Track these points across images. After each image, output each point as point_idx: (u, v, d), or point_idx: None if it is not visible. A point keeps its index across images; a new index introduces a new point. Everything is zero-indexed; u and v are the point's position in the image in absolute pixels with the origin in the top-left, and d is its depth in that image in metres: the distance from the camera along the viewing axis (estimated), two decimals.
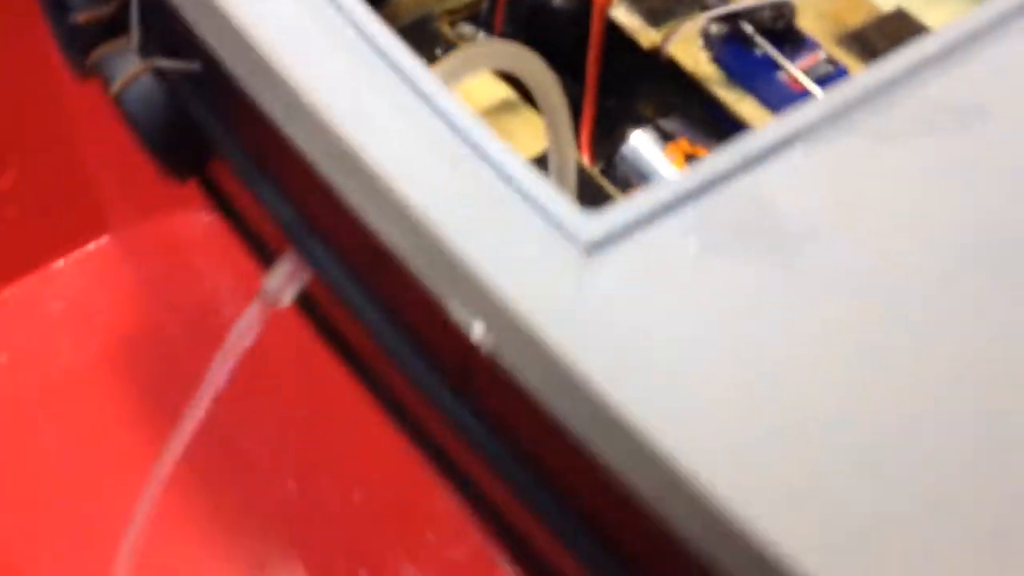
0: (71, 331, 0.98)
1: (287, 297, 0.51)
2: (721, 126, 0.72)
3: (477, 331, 0.42)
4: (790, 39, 0.71)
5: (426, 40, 0.73)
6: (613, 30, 0.75)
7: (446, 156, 0.47)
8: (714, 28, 0.72)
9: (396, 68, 0.50)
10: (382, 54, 0.50)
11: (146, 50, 0.53)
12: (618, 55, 0.75)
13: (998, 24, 0.52)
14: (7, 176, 0.96)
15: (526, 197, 0.46)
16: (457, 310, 0.42)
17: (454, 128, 0.48)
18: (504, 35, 0.74)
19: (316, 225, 0.49)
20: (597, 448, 0.40)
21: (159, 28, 0.55)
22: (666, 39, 0.73)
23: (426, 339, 0.47)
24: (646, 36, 0.74)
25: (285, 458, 0.88)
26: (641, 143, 0.70)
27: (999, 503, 0.38)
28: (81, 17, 0.54)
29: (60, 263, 1.02)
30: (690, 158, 0.69)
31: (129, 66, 0.52)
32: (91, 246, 1.03)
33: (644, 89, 0.75)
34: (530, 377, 0.41)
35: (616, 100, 0.75)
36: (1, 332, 0.97)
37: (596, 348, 0.42)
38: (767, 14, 0.70)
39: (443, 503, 0.64)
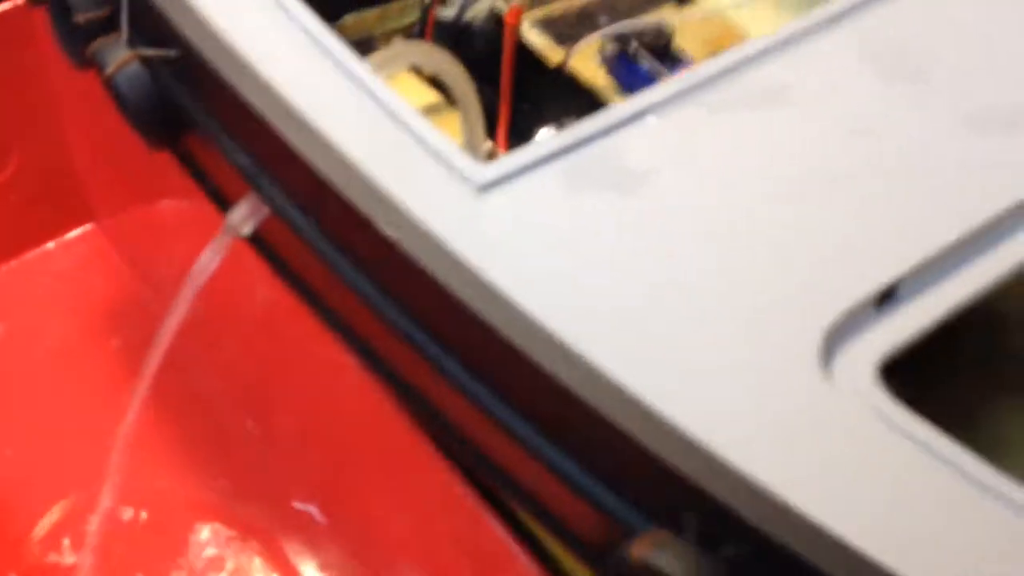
0: (61, 305, 1.12)
1: (247, 229, 0.65)
2: None
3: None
4: (669, 56, 0.86)
5: (361, 51, 0.88)
6: (526, 49, 0.90)
7: (375, 119, 0.62)
8: (608, 47, 0.87)
9: (335, 58, 0.64)
10: (324, 49, 0.65)
11: (133, 43, 0.67)
12: (531, 69, 0.90)
13: (800, 35, 0.68)
14: (7, 168, 1.10)
15: (437, 151, 0.61)
16: (383, 226, 0.57)
17: (388, 111, 0.63)
18: None
19: (269, 170, 0.63)
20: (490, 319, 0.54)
21: (144, 25, 0.68)
22: (567, 56, 0.88)
23: (363, 256, 0.61)
24: (553, 54, 0.89)
25: (246, 394, 1.01)
26: (545, 139, 0.84)
27: None
28: (81, 18, 0.67)
29: (51, 245, 1.16)
30: None
31: (120, 55, 0.66)
32: (79, 231, 1.17)
33: (552, 97, 0.90)
34: (439, 274, 0.55)
35: (530, 106, 0.89)
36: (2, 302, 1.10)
37: (491, 256, 0.56)
38: (648, 35, 0.85)
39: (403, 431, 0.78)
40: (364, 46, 0.89)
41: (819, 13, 0.69)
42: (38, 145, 1.09)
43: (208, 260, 0.66)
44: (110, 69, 0.66)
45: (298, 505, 1.00)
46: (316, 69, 0.64)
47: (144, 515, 0.99)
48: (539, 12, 0.92)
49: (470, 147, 0.77)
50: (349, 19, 0.89)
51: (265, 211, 0.64)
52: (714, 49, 0.88)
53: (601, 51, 0.88)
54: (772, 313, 0.54)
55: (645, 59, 0.84)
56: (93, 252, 1.16)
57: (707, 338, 0.53)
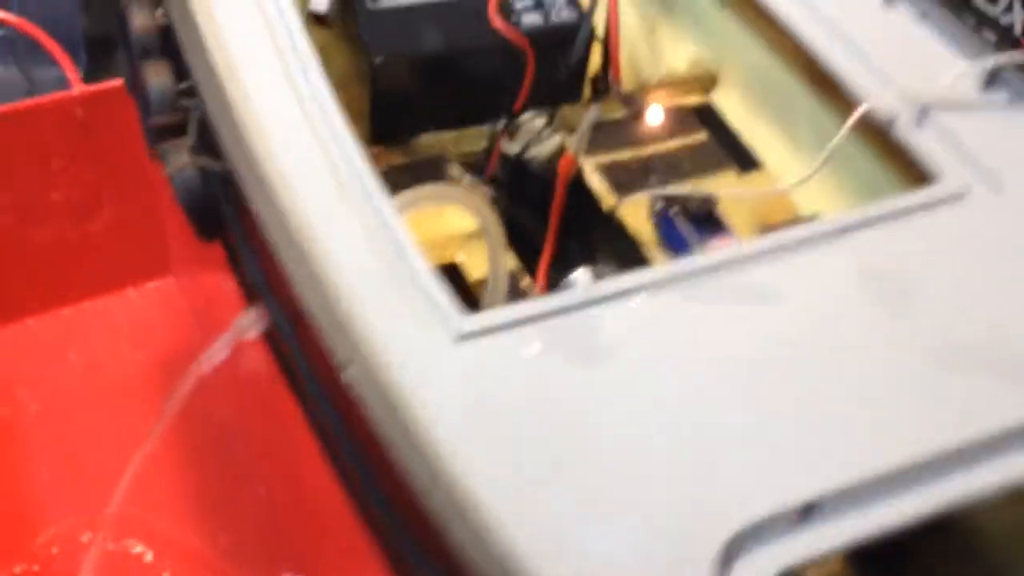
0: (129, 344, 1.22)
1: (252, 334, 0.71)
2: None
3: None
4: (711, 223, 0.90)
5: (433, 174, 0.94)
6: (585, 190, 0.95)
7: (379, 252, 0.68)
8: (657, 203, 0.91)
9: (364, 189, 0.71)
10: (361, 184, 0.71)
11: (196, 149, 0.75)
12: (586, 209, 0.95)
13: (801, 244, 0.71)
14: (100, 220, 1.22)
15: (427, 294, 0.66)
16: (341, 362, 0.62)
17: (396, 247, 0.69)
18: (493, 181, 0.94)
19: (273, 288, 0.69)
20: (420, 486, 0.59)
21: (204, 138, 0.76)
22: (618, 203, 0.92)
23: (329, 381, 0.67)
24: (608, 199, 0.94)
25: (264, 458, 1.09)
26: (579, 279, 0.89)
27: None
28: (156, 121, 0.76)
29: (131, 291, 1.28)
30: None
31: (180, 159, 0.74)
32: (157, 283, 1.29)
33: (601, 238, 0.95)
34: (377, 415, 0.60)
35: (578, 244, 0.94)
36: (77, 336, 1.22)
37: (450, 410, 0.61)
38: (694, 202, 0.89)
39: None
40: (435, 165, 0.95)
41: (824, 225, 0.73)
42: (129, 204, 1.22)
43: (214, 353, 0.73)
44: (170, 169, 0.74)
45: None
46: (340, 198, 0.70)
47: (139, 550, 1.07)
48: (604, 157, 0.97)
49: (491, 285, 0.82)
50: (426, 138, 0.96)
51: (266, 322, 0.71)
52: (760, 223, 0.92)
53: (652, 205, 0.92)
54: (684, 509, 0.57)
55: (683, 224, 0.88)
56: (166, 303, 1.26)
57: (613, 526, 0.56)
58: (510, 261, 0.89)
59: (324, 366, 0.64)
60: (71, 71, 1.22)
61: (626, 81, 1.03)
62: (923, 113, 0.80)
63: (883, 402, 0.62)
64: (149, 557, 1.05)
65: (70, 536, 1.08)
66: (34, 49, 1.28)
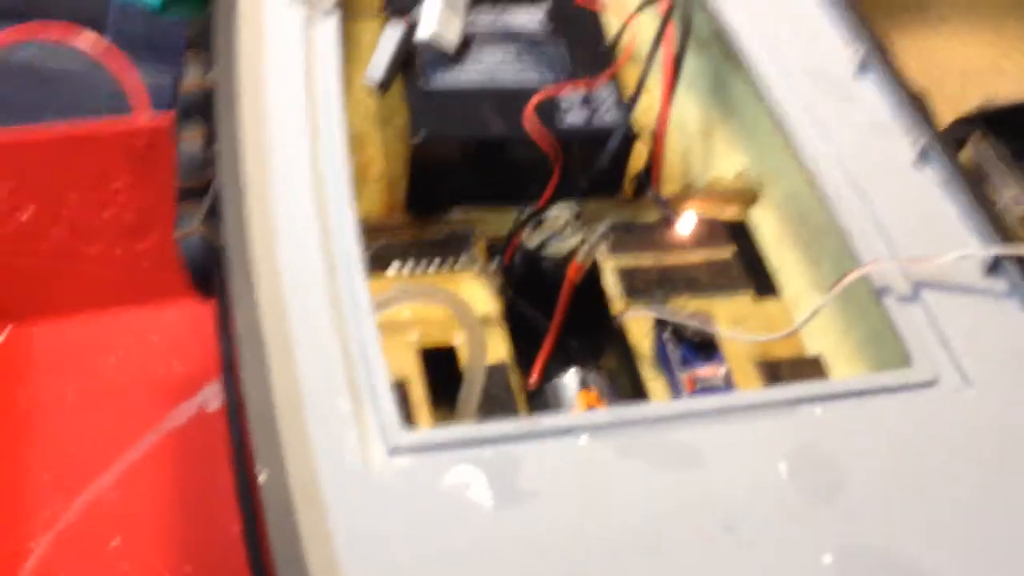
0: (159, 355, 1.31)
1: (213, 406, 0.77)
2: (637, 393, 0.92)
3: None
4: (707, 350, 0.91)
5: (454, 246, 0.97)
6: (598, 290, 0.97)
7: (344, 358, 0.72)
8: (659, 321, 0.93)
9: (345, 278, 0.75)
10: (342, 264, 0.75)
11: (208, 217, 0.81)
12: (594, 311, 0.97)
13: (748, 408, 0.72)
14: (149, 240, 1.32)
15: (375, 399, 0.70)
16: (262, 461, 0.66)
17: (359, 344, 0.73)
18: (509, 269, 0.96)
19: (231, 368, 0.74)
20: None
21: (217, 207, 0.82)
22: (623, 313, 0.94)
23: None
24: (618, 304, 0.96)
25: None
26: (567, 382, 0.91)
27: None
28: (181, 184, 0.82)
29: (167, 309, 1.37)
30: (591, 407, 0.89)
31: (192, 224, 0.80)
32: (193, 305, 1.37)
33: (607, 342, 0.97)
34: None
35: (579, 342, 0.97)
36: (114, 338, 1.32)
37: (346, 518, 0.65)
38: (689, 329, 0.90)
39: None
40: (460, 243, 0.98)
41: (776, 392, 0.74)
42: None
43: (175, 417, 0.79)
44: (178, 233, 0.80)
45: None
46: (316, 284, 0.75)
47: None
48: (626, 260, 0.98)
49: (464, 393, 0.85)
50: (457, 212, 0.99)
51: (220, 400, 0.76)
52: (761, 356, 0.92)
53: (655, 321, 0.94)
54: None
55: (672, 350, 0.90)
56: (197, 323, 1.34)
57: None
58: (506, 352, 0.91)
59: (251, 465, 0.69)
60: (140, 97, 1.33)
61: (674, 180, 1.05)
62: (916, 290, 0.80)
63: None
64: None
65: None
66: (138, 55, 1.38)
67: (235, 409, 0.73)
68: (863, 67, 0.96)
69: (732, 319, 0.94)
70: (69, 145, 1.32)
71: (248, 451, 0.68)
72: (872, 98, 0.94)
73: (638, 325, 0.94)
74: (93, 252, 1.33)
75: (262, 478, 0.66)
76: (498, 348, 0.91)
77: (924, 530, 0.67)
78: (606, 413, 0.73)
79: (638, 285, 0.97)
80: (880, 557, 0.66)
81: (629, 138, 0.98)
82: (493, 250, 0.98)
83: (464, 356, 0.89)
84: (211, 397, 0.80)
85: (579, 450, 0.70)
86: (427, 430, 0.70)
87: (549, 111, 0.96)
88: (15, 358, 1.33)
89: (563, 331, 0.94)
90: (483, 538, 0.66)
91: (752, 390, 0.74)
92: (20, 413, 1.28)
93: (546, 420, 0.72)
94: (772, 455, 0.70)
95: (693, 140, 1.07)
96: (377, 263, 0.93)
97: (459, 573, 0.64)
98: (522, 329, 0.95)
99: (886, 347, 0.81)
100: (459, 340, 0.92)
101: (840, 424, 0.72)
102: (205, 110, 0.86)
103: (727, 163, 1.06)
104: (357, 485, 0.67)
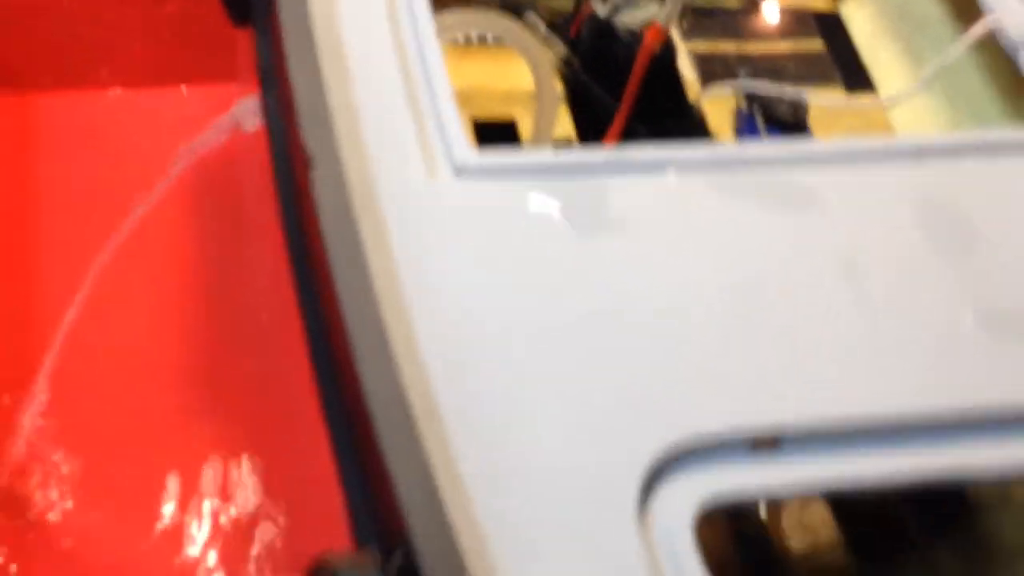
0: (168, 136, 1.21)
1: (247, 124, 0.67)
2: None
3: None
4: (796, 132, 0.81)
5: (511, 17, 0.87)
6: (672, 74, 0.87)
7: (402, 72, 0.62)
8: (742, 103, 0.83)
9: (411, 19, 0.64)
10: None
11: None
12: (666, 95, 0.87)
13: (869, 155, 0.62)
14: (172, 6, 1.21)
15: (441, 119, 0.60)
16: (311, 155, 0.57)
17: (424, 68, 0.63)
18: (575, 42, 0.86)
19: (277, 83, 0.64)
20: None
21: None
22: (703, 93, 0.84)
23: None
24: (693, 90, 0.86)
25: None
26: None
27: None
28: None
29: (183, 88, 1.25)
30: None
31: None
32: (213, 87, 1.26)
33: (674, 128, 0.87)
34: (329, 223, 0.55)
35: (648, 128, 0.87)
36: (122, 117, 1.21)
37: (416, 236, 0.56)
38: (784, 108, 0.80)
39: None
40: (516, 10, 0.88)
41: (899, 141, 0.64)
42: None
43: (209, 136, 0.69)
44: None
45: None
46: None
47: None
48: (704, 45, 0.89)
49: (537, 131, 0.76)
50: None
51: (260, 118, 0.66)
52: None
53: (737, 103, 0.84)
54: (635, 410, 0.51)
55: (761, 125, 0.80)
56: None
57: (548, 421, 0.51)
58: (567, 128, 0.82)
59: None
60: None
61: None
62: None
63: (890, 347, 0.54)
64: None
65: None
66: None
67: (278, 117, 0.63)
68: None
69: (822, 113, 0.84)
70: None
71: (298, 162, 0.59)
72: None
73: (716, 110, 0.85)
74: (111, 16, 1.21)
75: (315, 174, 0.56)
76: (562, 123, 0.82)
77: None
78: (698, 150, 0.63)
79: (718, 71, 0.87)
80: (1007, 319, 0.56)
81: None
82: (553, 28, 0.88)
83: (524, 121, 0.80)
84: (247, 113, 0.70)
85: (668, 187, 0.61)
86: (497, 153, 0.60)
87: None
88: (26, 128, 1.22)
89: (632, 114, 0.84)
90: (559, 269, 0.57)
91: (869, 139, 0.64)
92: (31, 178, 1.20)
93: (633, 152, 0.62)
94: (894, 204, 0.61)
95: None
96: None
97: (528, 301, 0.55)
98: (584, 109, 0.85)
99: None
100: (519, 115, 0.83)
101: (968, 178, 0.62)
102: None
103: None
104: (420, 203, 0.57)
